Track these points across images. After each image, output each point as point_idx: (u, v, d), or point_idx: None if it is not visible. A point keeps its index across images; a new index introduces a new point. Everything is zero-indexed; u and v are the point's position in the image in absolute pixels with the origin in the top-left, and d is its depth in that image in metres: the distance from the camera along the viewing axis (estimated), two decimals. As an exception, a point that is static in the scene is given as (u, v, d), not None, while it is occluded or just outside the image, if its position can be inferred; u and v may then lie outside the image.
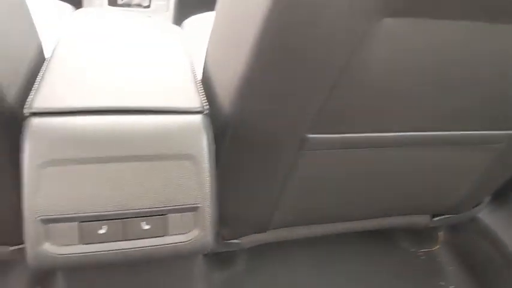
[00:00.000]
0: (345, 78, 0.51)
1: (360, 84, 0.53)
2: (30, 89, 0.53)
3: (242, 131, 0.58)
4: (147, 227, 0.51)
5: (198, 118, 0.54)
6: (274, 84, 0.51)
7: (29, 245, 0.48)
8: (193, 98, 0.56)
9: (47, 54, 0.66)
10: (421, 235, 1.16)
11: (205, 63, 0.69)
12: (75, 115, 0.50)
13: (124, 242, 0.51)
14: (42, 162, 0.47)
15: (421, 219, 1.00)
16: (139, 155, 0.50)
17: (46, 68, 0.57)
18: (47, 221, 0.48)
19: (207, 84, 0.62)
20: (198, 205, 0.53)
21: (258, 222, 0.80)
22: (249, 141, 0.60)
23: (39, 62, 0.63)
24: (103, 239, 0.50)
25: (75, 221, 0.49)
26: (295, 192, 0.74)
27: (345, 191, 0.79)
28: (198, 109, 0.55)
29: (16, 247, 0.72)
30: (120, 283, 0.73)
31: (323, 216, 0.87)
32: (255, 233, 0.85)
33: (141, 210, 0.50)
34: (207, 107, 0.56)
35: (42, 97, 0.51)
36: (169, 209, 0.52)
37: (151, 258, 0.53)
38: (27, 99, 0.51)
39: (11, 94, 0.51)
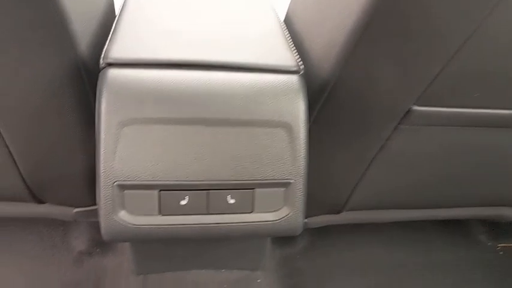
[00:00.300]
0: (471, 44, 0.42)
1: (485, 52, 0.44)
2: (103, 43, 0.47)
3: (339, 98, 0.50)
4: (232, 201, 0.45)
5: (294, 79, 0.46)
6: (387, 51, 0.42)
7: (103, 212, 0.43)
8: (288, 57, 0.48)
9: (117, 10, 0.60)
10: (499, 229, 1.05)
11: (287, 18, 0.60)
12: (159, 68, 0.43)
13: (207, 216, 0.45)
14: (121, 120, 0.41)
15: (507, 212, 0.89)
16: (228, 118, 0.43)
17: (121, 21, 0.51)
18: (124, 187, 0.43)
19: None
20: (290, 181, 0.45)
21: (333, 203, 0.73)
22: (345, 110, 0.52)
23: (110, 16, 0.57)
24: (184, 211, 0.44)
25: (155, 189, 0.43)
26: (382, 171, 0.65)
27: (436, 174, 0.69)
28: (294, 68, 0.47)
29: (80, 209, 0.70)
30: (186, 254, 0.68)
31: (403, 201, 0.79)
32: (327, 214, 0.78)
33: (228, 182, 0.44)
34: (303, 67, 0.48)
35: (120, 48, 0.45)
36: (258, 183, 0.45)
37: (234, 236, 0.47)
38: (103, 50, 0.45)
39: (84, 42, 0.45)
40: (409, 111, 0.52)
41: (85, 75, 0.46)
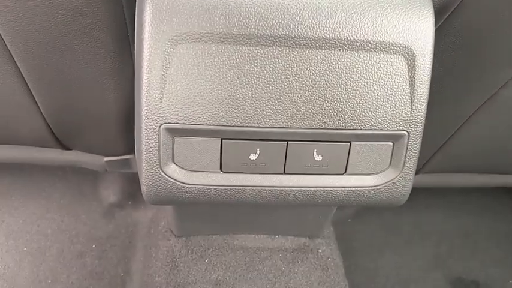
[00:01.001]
0: None
1: None
2: None
3: (463, 19, 0.36)
4: (319, 157, 0.33)
5: None
6: None
7: (145, 167, 0.32)
8: None
9: None
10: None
11: None
12: None
13: (284, 176, 0.33)
14: (173, 36, 0.29)
15: None
16: (321, 36, 0.29)
17: None
18: (175, 132, 0.31)
19: None
20: (403, 132, 0.32)
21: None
22: (466, 37, 0.38)
23: None
24: (254, 169, 0.32)
25: (216, 137, 0.31)
26: (479, 128, 0.53)
27: None
28: None
29: (111, 158, 0.59)
30: (235, 216, 0.58)
31: (486, 165, 0.66)
32: None
33: (314, 130, 0.31)
34: None
35: None
36: (357, 134, 0.32)
37: (318, 204, 0.35)
38: None
39: None
40: None
41: None
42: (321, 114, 0.31)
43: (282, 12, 0.29)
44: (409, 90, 0.31)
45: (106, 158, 0.59)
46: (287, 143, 0.32)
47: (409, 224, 0.84)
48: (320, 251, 0.60)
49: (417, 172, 0.65)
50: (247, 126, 0.31)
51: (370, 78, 0.31)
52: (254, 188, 0.33)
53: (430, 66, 0.31)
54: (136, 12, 0.31)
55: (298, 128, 0.31)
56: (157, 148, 0.31)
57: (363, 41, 0.30)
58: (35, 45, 0.37)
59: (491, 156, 0.63)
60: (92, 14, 0.34)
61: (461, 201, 0.90)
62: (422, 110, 0.32)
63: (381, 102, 0.31)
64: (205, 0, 0.29)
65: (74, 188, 0.78)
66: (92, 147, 0.56)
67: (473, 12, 0.35)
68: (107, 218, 0.75)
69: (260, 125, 0.31)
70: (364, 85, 0.31)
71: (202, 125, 0.31)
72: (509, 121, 0.53)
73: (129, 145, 0.54)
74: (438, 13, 0.36)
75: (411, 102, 0.32)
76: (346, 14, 0.29)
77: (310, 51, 0.30)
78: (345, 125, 0.32)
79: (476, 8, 0.35)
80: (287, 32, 0.29)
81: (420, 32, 0.31)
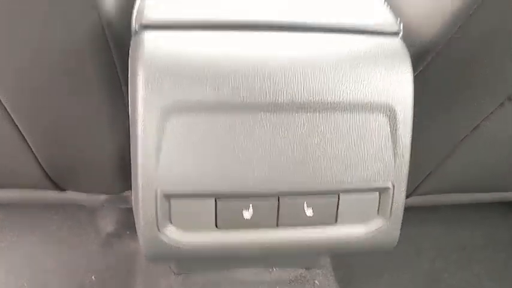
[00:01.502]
0: None
1: None
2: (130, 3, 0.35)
3: (442, 66, 0.38)
4: (309, 211, 0.34)
5: (396, 42, 0.33)
6: None
7: (143, 228, 0.33)
8: (385, 15, 0.35)
9: None
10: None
11: None
12: (215, 29, 0.31)
13: (277, 230, 0.34)
14: (165, 105, 0.30)
15: None
16: (307, 101, 0.31)
17: None
18: (171, 196, 0.32)
19: None
20: (388, 184, 0.34)
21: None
22: (445, 80, 0.40)
23: None
24: (248, 225, 0.34)
25: (210, 198, 0.32)
26: (467, 155, 0.54)
27: None
28: (394, 28, 0.34)
29: (108, 196, 0.60)
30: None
31: (478, 185, 0.68)
32: None
33: (304, 186, 0.33)
34: (402, 27, 0.35)
35: (156, 5, 0.33)
36: (345, 188, 0.33)
37: (311, 252, 0.36)
38: (134, 10, 0.33)
39: (108, 2, 0.32)
40: None
41: (111, 40, 0.34)
42: (310, 171, 0.32)
43: (268, 80, 0.30)
44: (391, 145, 0.33)
45: (103, 196, 0.60)
46: (278, 199, 0.33)
47: (404, 240, 0.85)
48: (317, 281, 0.61)
49: (409, 195, 0.67)
50: (238, 188, 0.32)
51: (355, 136, 0.32)
52: (249, 242, 0.34)
53: (411, 121, 0.33)
54: (129, 72, 0.32)
55: (289, 184, 0.33)
56: (154, 211, 0.32)
57: (347, 103, 0.31)
58: (27, 99, 0.38)
59: (482, 178, 0.65)
60: (83, 72, 0.36)
61: (455, 214, 0.91)
62: (406, 162, 0.34)
63: (365, 158, 0.33)
64: (195, 72, 0.30)
65: (71, 220, 0.78)
66: (88, 188, 0.57)
67: (450, 61, 0.37)
68: (106, 248, 0.76)
69: (252, 185, 0.32)
70: (349, 143, 0.32)
71: (197, 188, 0.32)
72: (487, 152, 0.55)
73: (125, 183, 0.55)
74: (419, 57, 0.37)
75: (394, 156, 0.33)
76: (330, 78, 0.31)
77: (297, 114, 0.31)
78: (333, 180, 0.33)
79: (454, 56, 0.37)
80: (274, 99, 0.30)
81: (400, 89, 0.32)
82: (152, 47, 0.30)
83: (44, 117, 0.41)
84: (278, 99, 0.31)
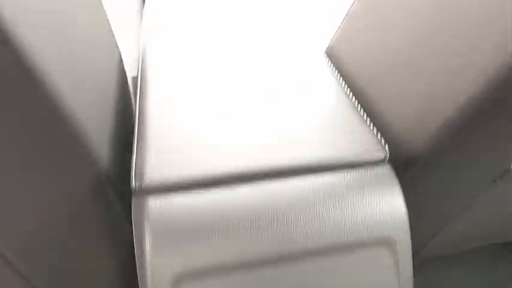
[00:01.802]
0: None
1: None
2: (125, 151, 0.36)
3: (428, 175, 0.40)
4: None
5: (386, 170, 0.35)
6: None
7: None
8: (369, 140, 0.37)
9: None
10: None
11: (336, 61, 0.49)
12: (217, 187, 0.32)
13: None
14: (177, 273, 0.30)
15: None
16: (311, 247, 0.32)
17: (142, 127, 0.38)
18: None
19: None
20: None
21: None
22: (432, 185, 0.42)
23: (127, 118, 0.45)
24: None
25: None
26: (459, 227, 0.57)
27: None
28: (382, 155, 0.36)
29: None
30: None
31: (472, 242, 0.71)
32: None
33: None
34: (387, 150, 0.37)
35: (154, 165, 0.34)
36: None
37: None
38: (132, 166, 0.34)
39: (103, 155, 0.33)
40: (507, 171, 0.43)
41: (113, 194, 0.34)
42: None
43: (277, 231, 0.31)
44: (394, 280, 0.34)
45: None
46: None
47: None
48: None
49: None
50: None
51: (357, 275, 0.33)
52: None
53: (411, 249, 0.34)
54: (134, 237, 0.33)
55: None
56: None
57: (341, 241, 0.33)
58: (29, 252, 0.38)
59: (470, 240, 0.67)
60: (88, 224, 0.35)
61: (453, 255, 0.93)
62: None
63: None
64: (202, 236, 0.31)
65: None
66: None
67: (443, 162, 0.39)
68: None
69: None
70: (353, 279, 0.33)
71: None
72: (480, 222, 0.57)
73: None
74: (404, 166, 0.39)
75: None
76: (325, 220, 0.32)
77: (301, 262, 0.32)
78: None
79: (446, 158, 0.39)
80: (282, 249, 0.32)
81: (395, 216, 0.34)
82: (157, 217, 0.31)
83: (45, 261, 0.41)
84: (284, 250, 0.32)
